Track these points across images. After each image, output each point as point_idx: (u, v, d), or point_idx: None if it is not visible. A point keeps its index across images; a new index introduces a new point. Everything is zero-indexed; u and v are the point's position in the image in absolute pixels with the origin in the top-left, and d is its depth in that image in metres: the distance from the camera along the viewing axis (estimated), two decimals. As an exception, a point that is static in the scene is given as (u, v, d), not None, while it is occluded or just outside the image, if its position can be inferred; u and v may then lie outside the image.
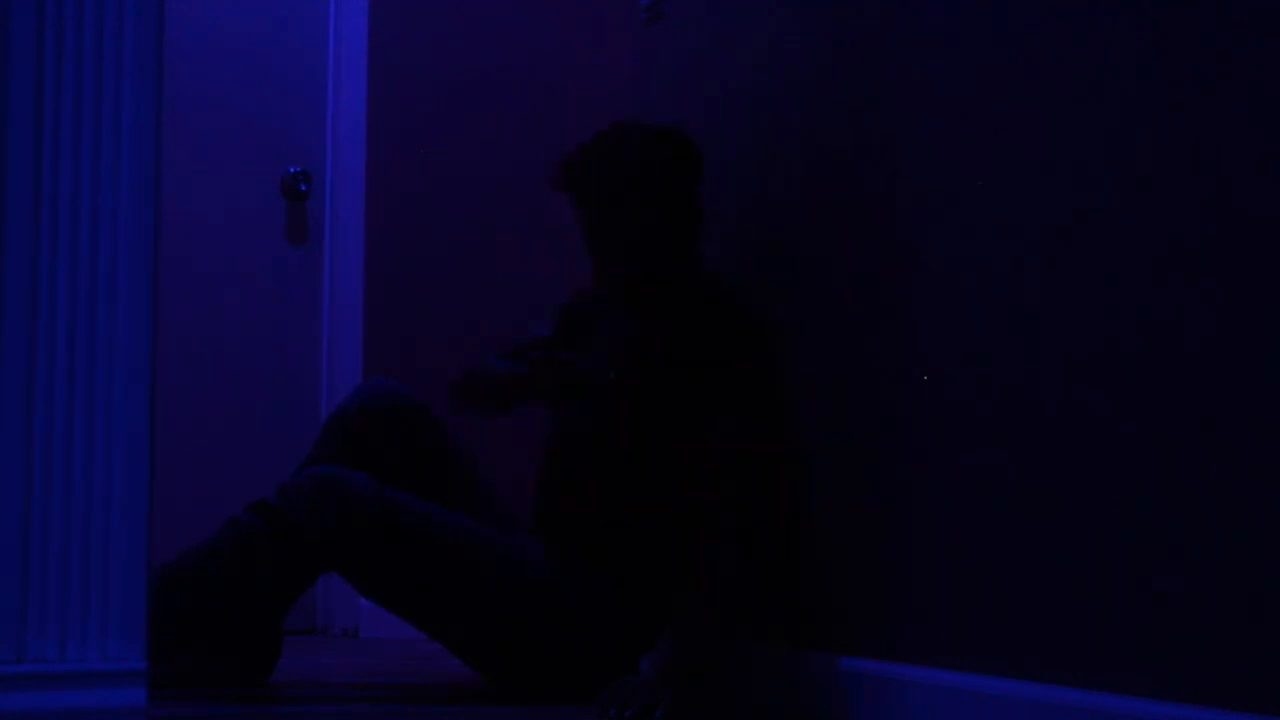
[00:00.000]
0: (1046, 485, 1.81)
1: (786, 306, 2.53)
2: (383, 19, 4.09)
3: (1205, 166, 1.59)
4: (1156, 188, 1.66)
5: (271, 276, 4.03)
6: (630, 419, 2.57)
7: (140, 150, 1.68)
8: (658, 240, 2.62)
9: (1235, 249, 1.55)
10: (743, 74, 2.78)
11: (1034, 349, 1.85)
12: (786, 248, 2.56)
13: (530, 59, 4.18)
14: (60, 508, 1.63)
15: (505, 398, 2.65)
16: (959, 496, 1.99)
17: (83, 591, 1.64)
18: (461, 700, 2.45)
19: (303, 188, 4.04)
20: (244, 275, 4.00)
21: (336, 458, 2.65)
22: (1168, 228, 1.64)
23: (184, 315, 3.87)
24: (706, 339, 2.53)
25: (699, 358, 2.52)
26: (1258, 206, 1.52)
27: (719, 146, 2.81)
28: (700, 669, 2.33)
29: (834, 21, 2.43)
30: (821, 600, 2.36)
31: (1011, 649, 1.86)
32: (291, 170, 4.04)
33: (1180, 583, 1.59)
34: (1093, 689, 1.70)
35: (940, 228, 2.08)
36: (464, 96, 4.13)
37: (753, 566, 2.52)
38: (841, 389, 2.33)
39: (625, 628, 2.54)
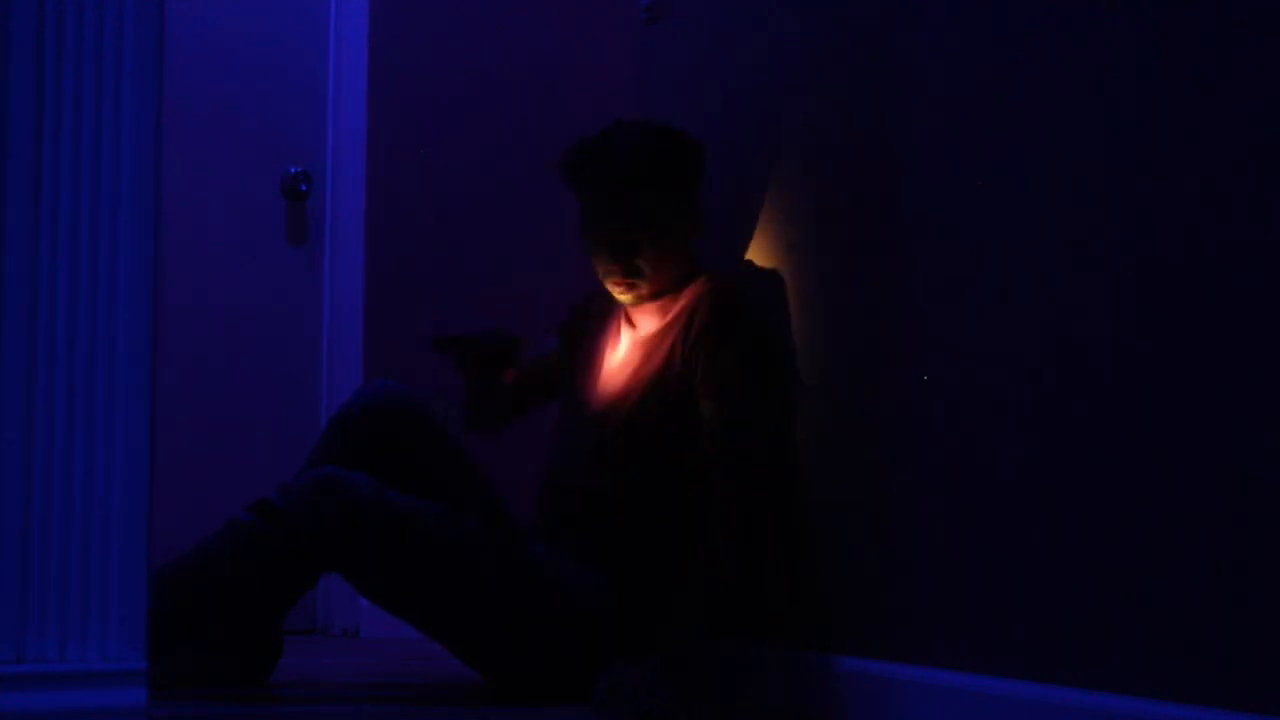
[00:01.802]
0: (1047, 486, 1.81)
1: (787, 306, 2.53)
2: (383, 19, 4.09)
3: (1205, 166, 1.59)
4: (1156, 187, 1.66)
5: (271, 276, 4.03)
6: (637, 421, 2.57)
7: (140, 150, 1.68)
8: (650, 236, 2.61)
9: (1236, 248, 1.54)
10: (743, 74, 2.78)
11: (1035, 349, 1.85)
12: (787, 244, 2.56)
13: (530, 59, 4.18)
14: (60, 507, 1.63)
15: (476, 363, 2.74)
16: (960, 496, 1.99)
17: (83, 591, 1.64)
18: (461, 700, 2.45)
19: (303, 188, 4.04)
20: (244, 275, 4.00)
21: (338, 458, 2.65)
22: (1169, 227, 1.64)
23: (184, 315, 3.87)
24: (701, 337, 2.53)
25: (695, 355, 2.52)
26: (1257, 204, 1.52)
27: (719, 146, 2.81)
28: (696, 668, 2.33)
29: (834, 21, 2.43)
30: (821, 600, 2.36)
31: (1011, 649, 1.86)
32: (291, 170, 4.04)
33: (1180, 583, 1.59)
34: (1093, 689, 1.70)
35: (941, 227, 2.07)
36: (464, 96, 4.13)
37: (754, 565, 2.52)
38: (843, 388, 2.33)
39: (626, 628, 2.54)
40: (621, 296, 2.66)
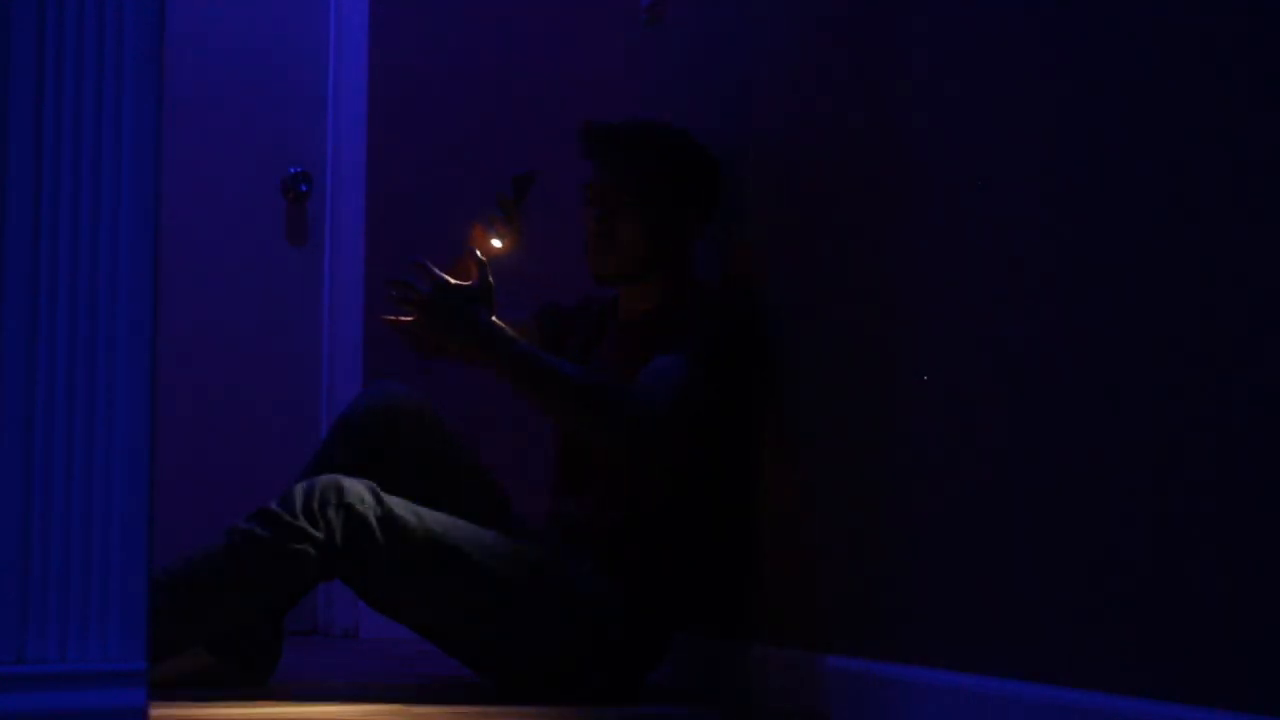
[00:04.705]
0: (1047, 485, 1.81)
1: (787, 303, 2.53)
2: (383, 19, 4.09)
3: (1204, 164, 1.59)
4: (1154, 186, 1.66)
5: (271, 276, 4.03)
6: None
7: (140, 151, 1.68)
8: (641, 213, 2.67)
9: (1236, 245, 1.55)
10: (742, 74, 2.78)
11: (1035, 347, 1.85)
12: (786, 245, 2.56)
13: (530, 59, 4.18)
14: (61, 507, 1.63)
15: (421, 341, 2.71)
16: (960, 496, 1.99)
17: (83, 591, 1.64)
18: (461, 700, 2.45)
19: (303, 188, 4.04)
20: (244, 275, 4.00)
21: (343, 461, 2.64)
22: (1169, 226, 1.64)
23: (184, 316, 3.87)
24: (680, 327, 2.57)
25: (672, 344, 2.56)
26: (1254, 200, 1.52)
27: (717, 146, 2.81)
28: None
29: (832, 21, 2.43)
30: (821, 600, 2.36)
31: (1011, 649, 1.86)
32: (291, 170, 4.04)
33: (1181, 583, 1.59)
34: (1093, 689, 1.70)
35: (941, 225, 2.08)
36: (464, 96, 4.13)
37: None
38: (843, 386, 2.33)
39: (630, 631, 2.54)
40: (594, 259, 2.71)
